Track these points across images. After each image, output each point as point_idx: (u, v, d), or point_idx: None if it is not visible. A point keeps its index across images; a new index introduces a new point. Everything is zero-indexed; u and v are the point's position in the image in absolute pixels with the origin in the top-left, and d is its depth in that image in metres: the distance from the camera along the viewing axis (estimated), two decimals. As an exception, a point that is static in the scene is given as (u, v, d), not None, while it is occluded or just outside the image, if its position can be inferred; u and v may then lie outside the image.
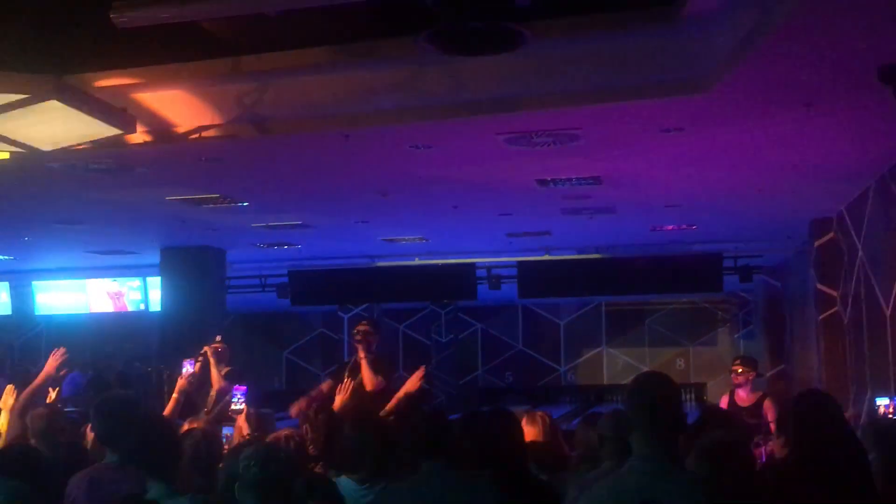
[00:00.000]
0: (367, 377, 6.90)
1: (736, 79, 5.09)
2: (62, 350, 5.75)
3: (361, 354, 7.05)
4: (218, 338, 8.02)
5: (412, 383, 6.58)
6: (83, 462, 4.47)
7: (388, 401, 6.56)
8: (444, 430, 3.79)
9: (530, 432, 4.87)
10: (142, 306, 13.37)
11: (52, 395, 5.90)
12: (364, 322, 7.52)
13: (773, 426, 6.98)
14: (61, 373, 6.02)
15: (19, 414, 5.08)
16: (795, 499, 3.31)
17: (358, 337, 7.19)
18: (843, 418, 3.73)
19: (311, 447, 5.13)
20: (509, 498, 3.57)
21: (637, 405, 2.90)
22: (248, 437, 5.51)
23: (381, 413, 6.22)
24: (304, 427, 5.41)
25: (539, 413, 5.23)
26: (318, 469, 4.78)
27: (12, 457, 4.01)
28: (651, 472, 2.79)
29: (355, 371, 7.03)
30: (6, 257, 12.77)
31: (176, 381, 6.19)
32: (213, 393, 7.49)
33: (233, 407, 5.92)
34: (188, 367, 6.44)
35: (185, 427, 5.88)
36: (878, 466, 3.73)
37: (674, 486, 2.74)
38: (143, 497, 3.38)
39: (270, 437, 4.87)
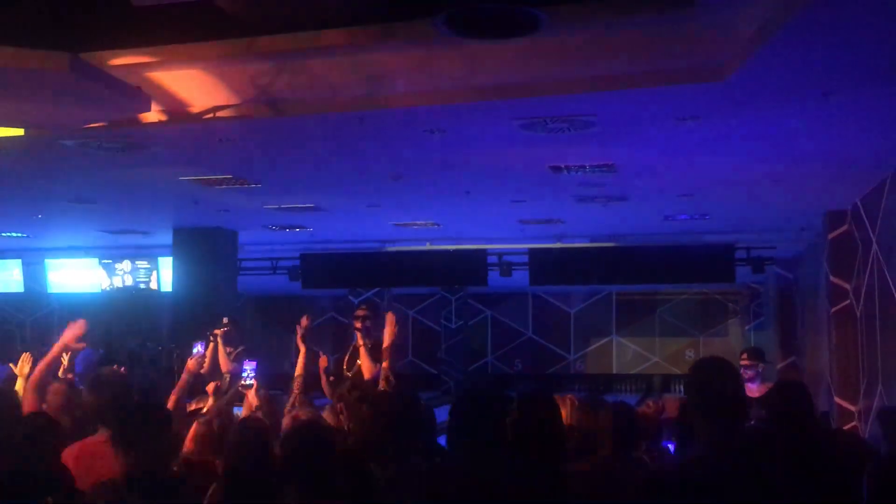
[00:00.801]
0: (366, 365, 6.85)
1: (753, 67, 5.04)
2: (82, 322, 5.67)
3: (360, 341, 7.00)
4: (225, 319, 8.03)
5: (391, 331, 6.44)
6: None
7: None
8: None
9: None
10: (153, 286, 13.42)
11: (65, 360, 5.85)
12: (362, 306, 7.45)
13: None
14: (79, 346, 5.96)
15: (35, 388, 5.09)
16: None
17: (357, 323, 7.15)
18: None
19: (346, 426, 5.15)
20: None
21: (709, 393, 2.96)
22: (256, 410, 5.54)
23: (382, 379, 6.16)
24: (339, 405, 5.41)
25: (568, 396, 5.34)
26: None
27: (36, 426, 4.02)
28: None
29: (354, 358, 7.01)
30: (19, 234, 12.82)
31: (186, 361, 6.22)
32: (224, 375, 7.50)
33: (243, 382, 5.95)
34: (198, 349, 6.46)
35: (193, 406, 5.93)
36: (887, 453, 3.78)
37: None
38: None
39: (305, 416, 4.89)
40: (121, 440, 3.61)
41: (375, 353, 6.87)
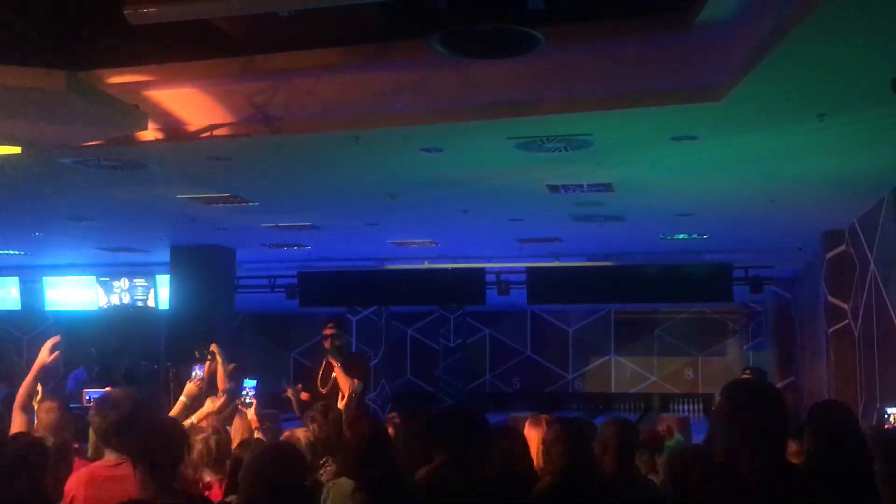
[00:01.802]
0: (343, 383, 6.81)
1: (749, 87, 5.05)
2: (56, 337, 5.60)
3: (333, 361, 6.98)
4: (213, 346, 7.92)
5: (347, 382, 6.41)
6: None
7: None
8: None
9: (534, 436, 4.86)
10: (150, 304, 13.40)
11: (40, 391, 5.74)
12: (329, 324, 7.39)
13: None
14: (52, 356, 5.81)
15: (21, 408, 5.05)
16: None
17: (325, 343, 7.11)
18: (856, 427, 3.78)
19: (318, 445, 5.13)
20: None
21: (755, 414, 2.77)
22: (257, 430, 5.52)
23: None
24: (311, 427, 5.40)
25: (543, 416, 5.25)
26: (329, 468, 4.79)
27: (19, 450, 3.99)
28: None
29: (328, 373, 6.98)
30: (16, 252, 12.81)
31: (182, 379, 6.18)
32: (219, 393, 7.46)
33: (242, 401, 5.92)
34: (197, 373, 6.42)
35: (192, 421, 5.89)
36: (882, 476, 3.73)
37: None
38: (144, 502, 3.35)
39: (285, 436, 4.87)
40: (142, 461, 3.59)
41: (348, 369, 6.84)
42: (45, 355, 5.26)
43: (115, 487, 3.74)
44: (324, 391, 7.08)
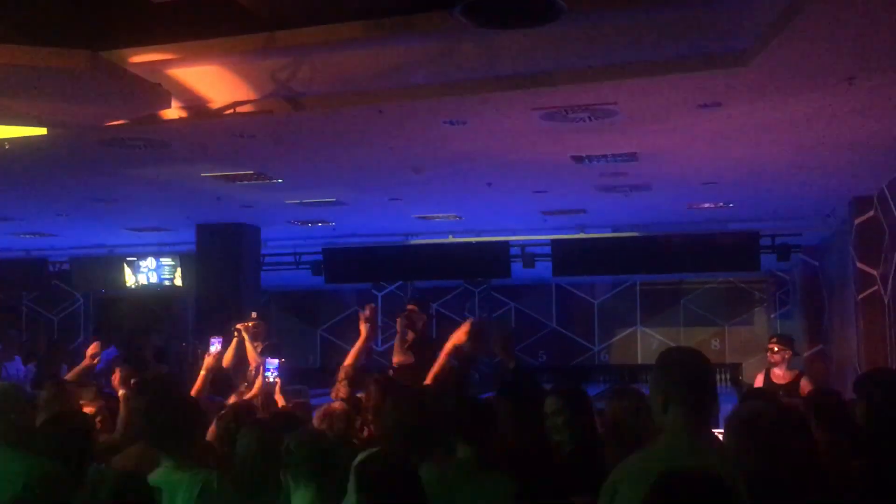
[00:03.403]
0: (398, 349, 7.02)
1: (776, 52, 4.99)
2: (95, 345, 6.19)
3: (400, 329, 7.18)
4: (254, 314, 8.06)
5: (459, 336, 6.50)
6: None
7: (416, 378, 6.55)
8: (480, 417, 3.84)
9: None
10: (178, 283, 13.48)
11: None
12: (409, 307, 7.65)
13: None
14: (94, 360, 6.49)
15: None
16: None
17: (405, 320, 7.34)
18: None
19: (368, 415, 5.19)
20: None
21: (673, 380, 2.87)
22: (283, 408, 5.56)
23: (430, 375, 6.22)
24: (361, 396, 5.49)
25: None
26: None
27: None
28: (684, 447, 2.76)
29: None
30: (45, 234, 12.91)
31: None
32: (251, 370, 7.53)
33: (268, 380, 5.96)
34: (216, 345, 6.48)
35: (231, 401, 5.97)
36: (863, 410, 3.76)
37: (706, 460, 2.71)
38: (136, 475, 3.39)
39: (321, 411, 4.90)
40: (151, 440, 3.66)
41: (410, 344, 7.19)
42: (86, 361, 5.76)
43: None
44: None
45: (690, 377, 2.88)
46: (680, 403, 2.83)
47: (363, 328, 6.64)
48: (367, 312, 6.74)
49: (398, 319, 7.40)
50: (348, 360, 6.29)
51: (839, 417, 4.28)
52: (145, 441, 4.04)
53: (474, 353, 7.07)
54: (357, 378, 5.82)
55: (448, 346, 6.48)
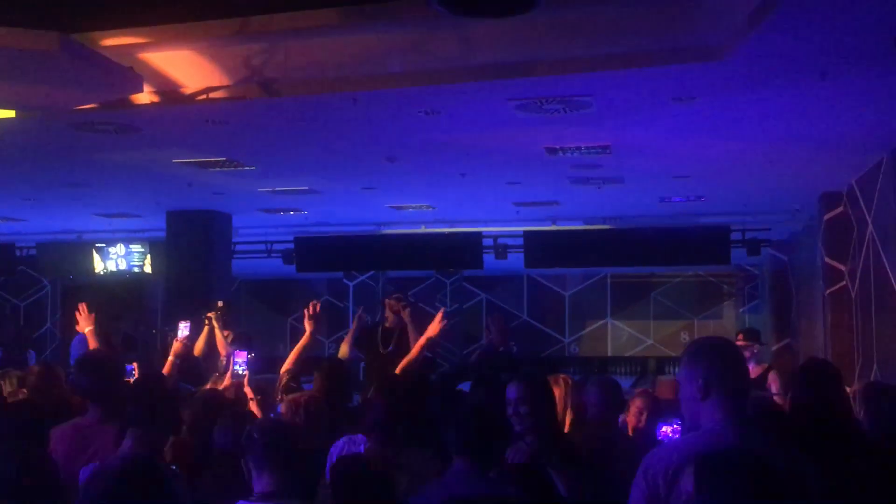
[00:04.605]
0: (417, 338, 6.93)
1: (750, 46, 5.01)
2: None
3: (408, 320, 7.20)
4: (220, 303, 7.99)
5: (433, 328, 6.51)
6: None
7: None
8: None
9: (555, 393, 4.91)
10: (148, 270, 13.36)
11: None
12: (393, 298, 7.58)
13: (777, 398, 6.99)
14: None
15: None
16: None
17: (393, 312, 7.29)
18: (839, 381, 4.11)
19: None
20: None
21: (714, 367, 2.88)
22: (252, 401, 5.52)
23: (404, 363, 6.23)
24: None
25: (562, 376, 5.36)
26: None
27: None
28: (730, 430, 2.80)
29: (388, 340, 7.14)
30: (13, 219, 12.75)
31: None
32: (221, 359, 7.48)
33: (237, 372, 5.92)
34: (184, 330, 6.42)
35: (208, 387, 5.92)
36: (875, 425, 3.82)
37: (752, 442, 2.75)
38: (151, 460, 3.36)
39: (287, 400, 4.86)
40: (122, 419, 3.61)
41: (421, 325, 7.00)
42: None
43: (98, 443, 3.77)
44: (384, 352, 7.21)
45: (732, 365, 2.90)
46: (722, 390, 2.83)
47: (308, 326, 6.47)
48: (311, 310, 6.52)
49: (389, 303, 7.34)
50: (287, 364, 6.12)
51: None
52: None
53: (497, 344, 7.21)
54: (291, 388, 5.68)
55: (422, 339, 6.50)
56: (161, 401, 3.79)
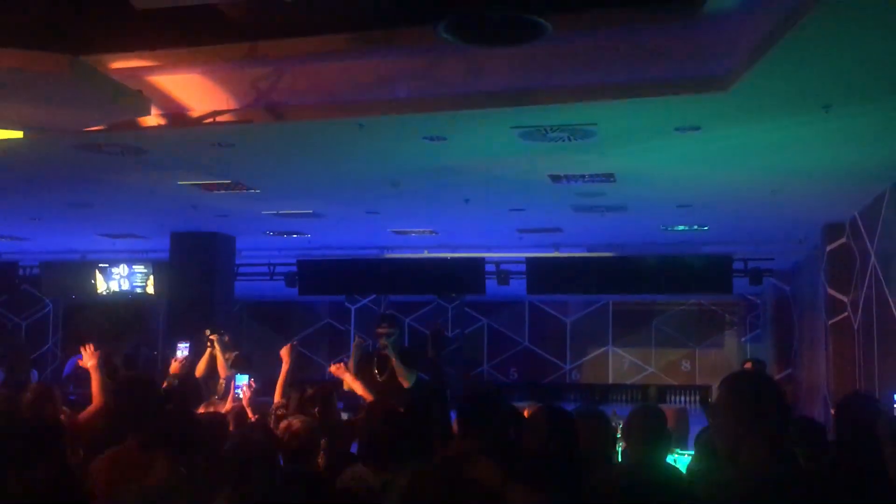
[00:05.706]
0: (402, 376, 6.97)
1: (755, 78, 5.04)
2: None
3: (391, 357, 7.08)
4: (223, 333, 7.87)
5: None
6: None
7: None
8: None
9: None
10: (150, 290, 13.37)
11: None
12: (382, 325, 7.47)
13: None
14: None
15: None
16: None
17: (380, 342, 7.23)
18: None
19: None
20: None
21: (754, 401, 2.78)
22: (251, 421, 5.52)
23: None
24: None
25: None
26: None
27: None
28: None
29: (383, 366, 7.10)
30: (17, 238, 12.78)
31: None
32: (221, 381, 7.48)
33: (237, 395, 5.94)
34: (182, 351, 6.42)
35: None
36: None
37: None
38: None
39: (283, 426, 4.85)
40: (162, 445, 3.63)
41: (406, 362, 7.02)
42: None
43: (139, 472, 3.76)
44: (381, 379, 7.16)
45: (771, 397, 2.82)
46: (763, 422, 2.75)
47: (284, 356, 6.44)
48: (287, 347, 6.54)
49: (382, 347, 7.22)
50: (276, 397, 6.11)
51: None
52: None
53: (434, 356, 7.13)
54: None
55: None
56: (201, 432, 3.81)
